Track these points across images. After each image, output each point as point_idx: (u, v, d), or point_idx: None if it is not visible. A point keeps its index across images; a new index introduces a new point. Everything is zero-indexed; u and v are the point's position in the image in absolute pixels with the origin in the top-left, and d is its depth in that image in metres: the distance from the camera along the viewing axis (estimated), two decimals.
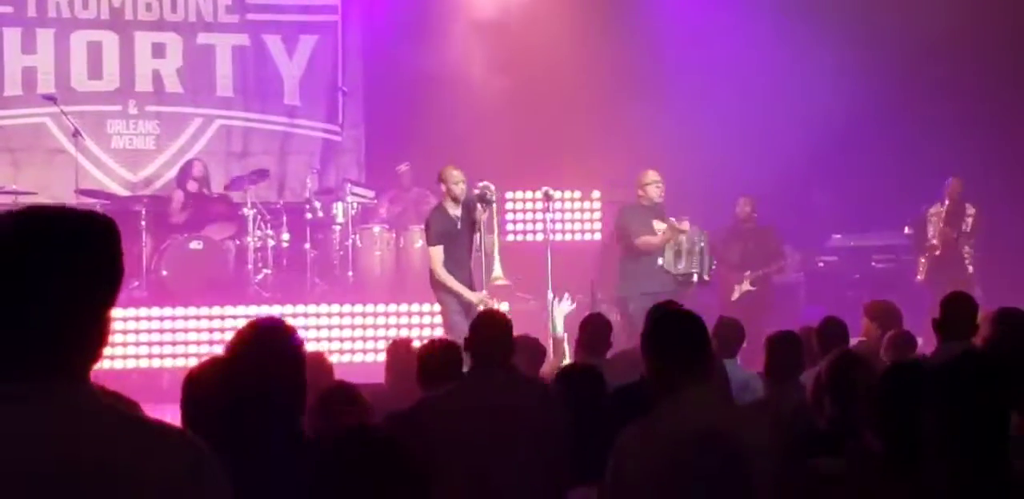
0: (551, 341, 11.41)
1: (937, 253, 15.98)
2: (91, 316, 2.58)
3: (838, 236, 17.08)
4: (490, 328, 6.91)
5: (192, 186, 16.31)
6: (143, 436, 2.56)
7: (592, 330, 9.27)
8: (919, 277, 16.01)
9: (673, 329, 5.12)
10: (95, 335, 2.58)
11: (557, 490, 6.39)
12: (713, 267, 14.18)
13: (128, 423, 2.59)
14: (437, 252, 12.78)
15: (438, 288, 12.82)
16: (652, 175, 14.13)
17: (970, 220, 16.08)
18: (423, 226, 13.51)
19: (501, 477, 6.52)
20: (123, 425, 2.58)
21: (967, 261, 16.07)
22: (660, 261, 13.68)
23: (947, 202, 16.08)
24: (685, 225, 13.66)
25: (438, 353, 7.48)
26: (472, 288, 12.77)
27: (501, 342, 6.84)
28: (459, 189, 12.81)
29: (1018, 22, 16.77)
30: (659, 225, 13.83)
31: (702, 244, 13.83)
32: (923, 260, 16.11)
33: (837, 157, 16.83)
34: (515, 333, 7.11)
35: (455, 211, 12.83)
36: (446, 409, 6.56)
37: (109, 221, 2.64)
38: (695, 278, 13.75)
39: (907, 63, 16.65)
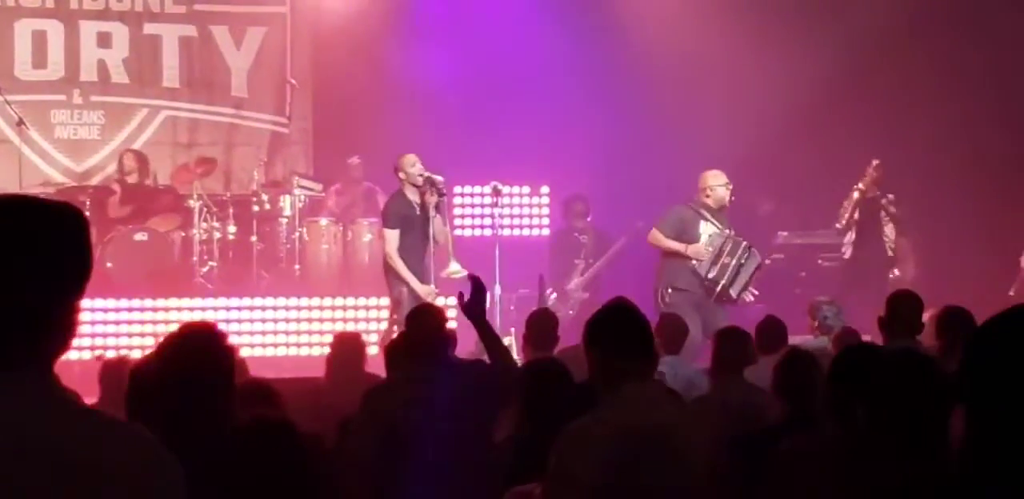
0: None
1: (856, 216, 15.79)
2: (62, 307, 2.57)
3: (784, 234, 17.09)
4: (426, 321, 6.87)
5: (131, 178, 16.21)
6: (105, 429, 2.56)
7: (539, 326, 9.26)
8: (845, 255, 15.83)
9: (616, 325, 5.10)
10: (64, 327, 2.57)
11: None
12: (750, 293, 13.48)
13: (91, 416, 2.59)
14: (392, 235, 12.77)
15: (390, 274, 12.80)
16: (722, 176, 13.49)
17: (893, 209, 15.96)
18: (379, 215, 13.52)
19: (453, 470, 6.50)
20: (87, 418, 2.57)
21: (887, 246, 16.01)
22: (694, 262, 13.19)
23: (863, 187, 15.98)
24: (699, 253, 13.12)
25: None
26: (423, 279, 12.74)
27: (437, 335, 6.80)
28: (416, 170, 12.82)
29: (954, 20, 16.83)
30: (707, 228, 13.31)
31: (743, 261, 13.21)
32: (847, 214, 15.84)
33: (783, 155, 16.83)
34: None
35: (414, 197, 12.85)
36: (401, 402, 6.52)
37: (79, 212, 2.64)
38: (719, 289, 13.16)
39: (850, 62, 16.65)
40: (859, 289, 14.23)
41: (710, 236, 13.28)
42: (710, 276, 13.15)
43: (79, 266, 2.60)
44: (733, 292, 13.21)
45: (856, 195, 15.64)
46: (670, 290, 13.19)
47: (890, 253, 15.96)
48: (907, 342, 7.73)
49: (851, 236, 15.84)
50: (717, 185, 13.44)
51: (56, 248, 2.56)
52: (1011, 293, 15.22)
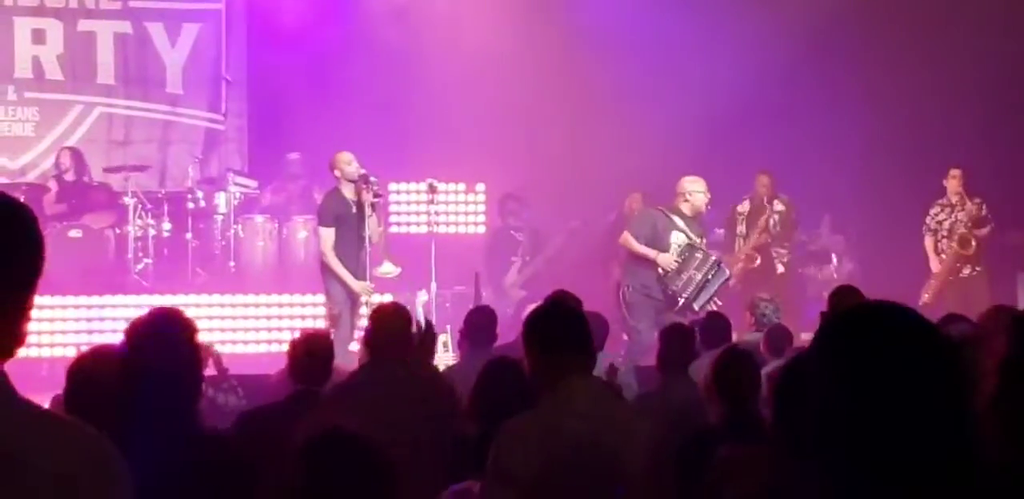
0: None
1: (756, 263, 16.15)
2: (14, 304, 2.53)
3: (720, 231, 17.20)
4: (388, 321, 6.85)
5: (67, 175, 16.13)
6: (56, 431, 2.53)
7: (477, 322, 9.26)
8: (731, 282, 15.77)
9: (555, 321, 5.13)
10: (17, 323, 2.53)
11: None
12: (714, 303, 13.02)
13: (42, 417, 2.56)
14: (328, 234, 12.77)
15: (326, 272, 12.82)
16: (701, 182, 13.26)
17: (777, 217, 16.23)
18: (315, 213, 13.51)
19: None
20: (36, 419, 2.54)
21: (776, 261, 16.27)
22: (661, 271, 13.00)
23: (751, 201, 16.35)
24: (667, 264, 12.98)
25: (303, 347, 7.42)
26: (359, 277, 12.75)
27: (398, 335, 6.78)
28: (352, 169, 12.81)
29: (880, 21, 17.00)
30: (678, 238, 13.13)
31: (710, 277, 12.98)
32: (739, 265, 16.07)
33: (720, 151, 16.90)
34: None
35: (350, 195, 12.84)
36: (343, 404, 6.49)
37: (27, 207, 2.60)
38: (681, 301, 12.97)
39: (776, 62, 16.71)
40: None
41: (680, 247, 13.08)
42: (673, 288, 13.00)
43: (31, 261, 2.56)
44: (696, 306, 12.98)
45: (740, 218, 16.09)
46: (631, 288, 13.19)
47: (781, 269, 16.28)
48: None
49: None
50: (696, 191, 13.24)
51: (7, 243, 2.52)
52: (925, 296, 15.33)
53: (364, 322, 12.86)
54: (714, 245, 15.16)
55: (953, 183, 15.61)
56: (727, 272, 13.47)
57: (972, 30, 16.07)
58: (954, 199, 15.63)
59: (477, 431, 6.30)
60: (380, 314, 6.98)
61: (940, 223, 15.68)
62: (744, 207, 16.33)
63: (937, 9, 16.33)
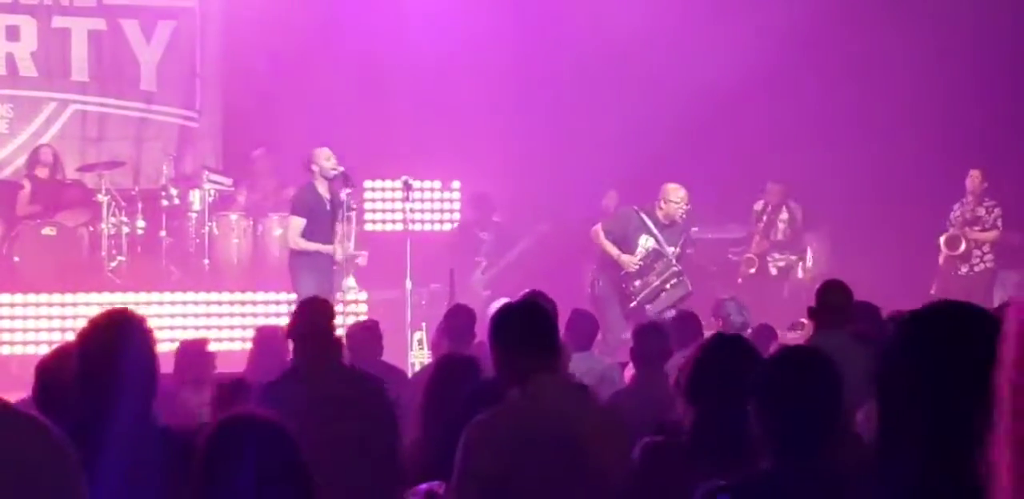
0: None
1: (752, 271, 16.53)
2: None
3: (695, 229, 17.22)
4: (314, 315, 6.79)
5: (42, 173, 16.07)
6: (10, 422, 2.53)
7: (456, 320, 9.27)
8: (739, 280, 16.38)
9: (519, 320, 5.15)
10: None
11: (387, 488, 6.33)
12: (672, 310, 12.92)
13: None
14: (297, 222, 12.82)
15: (295, 266, 12.80)
16: (680, 192, 13.43)
17: (782, 225, 16.54)
18: (288, 210, 13.53)
19: (330, 474, 6.45)
20: None
21: (771, 265, 16.59)
22: (623, 272, 13.21)
23: (766, 207, 16.73)
24: (627, 266, 13.17)
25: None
26: (329, 274, 12.76)
27: (325, 330, 6.74)
28: (330, 165, 12.83)
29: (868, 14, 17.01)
30: (646, 241, 13.29)
31: (668, 287, 13.15)
32: (741, 268, 16.66)
33: (696, 149, 16.92)
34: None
35: (324, 192, 12.86)
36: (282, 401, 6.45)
37: None
38: (633, 304, 13.21)
39: (769, 56, 16.74)
40: None
41: (646, 250, 13.25)
42: (630, 288, 13.19)
43: None
44: (649, 310, 13.12)
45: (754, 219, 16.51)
46: (601, 282, 13.32)
47: (773, 272, 16.87)
48: (837, 332, 7.76)
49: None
50: (671, 200, 13.41)
51: None
52: (932, 291, 15.42)
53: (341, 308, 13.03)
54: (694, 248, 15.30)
55: (968, 183, 15.73)
56: (688, 286, 13.47)
57: (975, 26, 16.12)
58: (969, 198, 15.76)
59: (423, 433, 6.26)
60: (304, 308, 6.93)
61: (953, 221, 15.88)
62: (759, 206, 16.81)
63: (939, 3, 16.39)
